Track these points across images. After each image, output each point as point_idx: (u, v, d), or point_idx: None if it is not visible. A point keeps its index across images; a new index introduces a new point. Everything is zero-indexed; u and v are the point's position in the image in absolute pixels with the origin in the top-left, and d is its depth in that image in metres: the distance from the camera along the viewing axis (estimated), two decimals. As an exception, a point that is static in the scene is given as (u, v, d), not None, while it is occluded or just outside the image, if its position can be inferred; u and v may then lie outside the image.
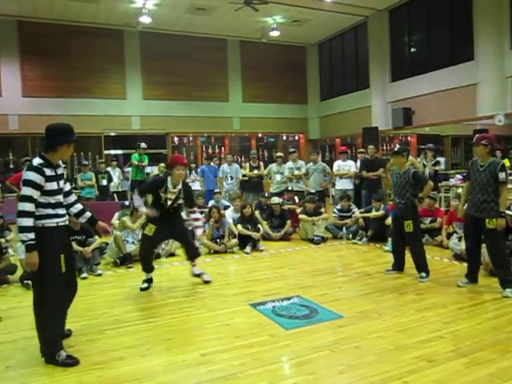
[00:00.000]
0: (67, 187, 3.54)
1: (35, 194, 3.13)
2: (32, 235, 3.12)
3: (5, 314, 4.37)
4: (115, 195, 10.66)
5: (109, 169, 10.79)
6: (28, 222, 3.11)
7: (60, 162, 3.41)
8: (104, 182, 10.17)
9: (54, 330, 3.29)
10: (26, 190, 3.12)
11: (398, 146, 6.00)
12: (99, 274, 5.91)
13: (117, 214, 7.42)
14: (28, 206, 3.11)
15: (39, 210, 3.17)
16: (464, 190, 5.24)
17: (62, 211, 3.37)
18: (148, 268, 5.22)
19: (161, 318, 4.19)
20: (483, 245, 4.95)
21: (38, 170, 3.16)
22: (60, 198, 3.36)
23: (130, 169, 11.28)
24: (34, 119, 12.26)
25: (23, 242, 3.12)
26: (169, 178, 5.09)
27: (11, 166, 12.52)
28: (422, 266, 5.32)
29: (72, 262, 3.52)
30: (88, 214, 3.72)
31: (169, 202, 5.05)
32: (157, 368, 3.19)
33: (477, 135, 4.96)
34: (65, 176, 3.46)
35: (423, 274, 5.27)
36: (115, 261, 6.46)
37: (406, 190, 5.36)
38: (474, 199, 4.81)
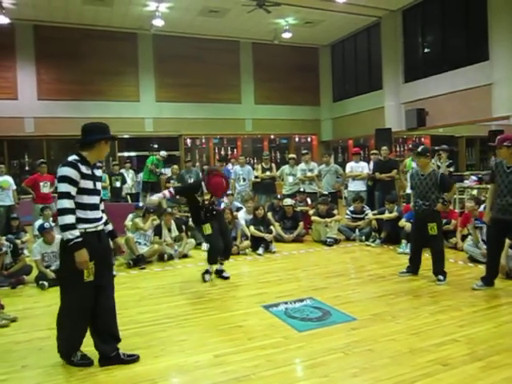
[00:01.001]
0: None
1: (72, 190, 3.01)
2: (77, 232, 3.00)
3: (21, 314, 4.42)
4: (128, 197, 10.75)
5: (122, 171, 10.88)
6: (70, 218, 2.98)
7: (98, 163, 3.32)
8: (117, 184, 10.26)
9: (70, 333, 3.27)
10: (63, 187, 3.00)
11: (420, 146, 5.81)
12: (113, 275, 5.95)
13: (130, 216, 7.47)
14: (67, 203, 2.98)
15: None
16: (490, 194, 4.95)
17: (95, 215, 3.19)
18: (215, 260, 5.65)
19: (174, 319, 4.21)
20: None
21: (73, 165, 3.03)
22: (95, 199, 3.21)
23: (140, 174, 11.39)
24: (50, 122, 12.47)
25: (69, 240, 2.98)
26: (203, 183, 5.51)
27: (27, 168, 12.74)
28: (441, 269, 5.24)
29: (102, 269, 3.24)
30: (109, 227, 3.45)
31: (206, 202, 5.49)
32: (170, 369, 3.21)
33: (498, 137, 4.76)
34: (103, 179, 3.36)
35: (441, 277, 5.19)
36: (128, 262, 6.51)
37: (432, 192, 5.20)
38: (501, 202, 4.64)
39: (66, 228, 2.99)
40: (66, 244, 3.01)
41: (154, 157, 10.86)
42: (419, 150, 5.45)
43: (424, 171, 5.33)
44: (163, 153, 10.95)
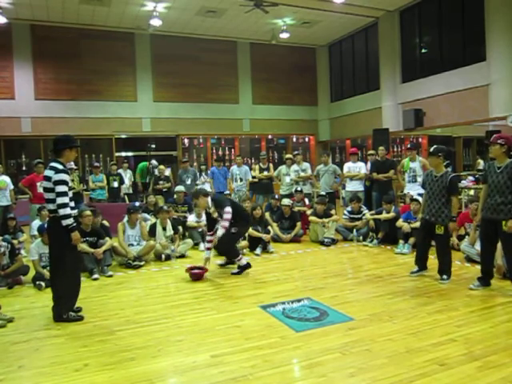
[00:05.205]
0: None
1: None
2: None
3: (18, 314, 4.41)
4: (126, 197, 10.74)
5: (120, 171, 10.86)
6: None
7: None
8: (115, 184, 10.24)
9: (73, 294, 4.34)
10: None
11: (434, 146, 5.53)
12: (110, 275, 5.95)
13: (127, 216, 7.44)
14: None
15: None
16: (482, 194, 4.97)
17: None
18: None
19: (171, 319, 4.21)
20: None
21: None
22: None
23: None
24: (47, 122, 12.45)
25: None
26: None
27: (24, 168, 12.70)
28: (446, 268, 5.23)
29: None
30: None
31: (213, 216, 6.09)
32: (167, 369, 3.21)
33: (494, 135, 4.86)
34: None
35: (444, 277, 5.20)
36: (128, 262, 6.47)
37: (443, 194, 5.12)
38: (491, 201, 4.71)
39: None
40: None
41: (144, 164, 10.97)
42: (431, 149, 5.27)
43: (437, 172, 5.24)
44: (154, 162, 10.98)
